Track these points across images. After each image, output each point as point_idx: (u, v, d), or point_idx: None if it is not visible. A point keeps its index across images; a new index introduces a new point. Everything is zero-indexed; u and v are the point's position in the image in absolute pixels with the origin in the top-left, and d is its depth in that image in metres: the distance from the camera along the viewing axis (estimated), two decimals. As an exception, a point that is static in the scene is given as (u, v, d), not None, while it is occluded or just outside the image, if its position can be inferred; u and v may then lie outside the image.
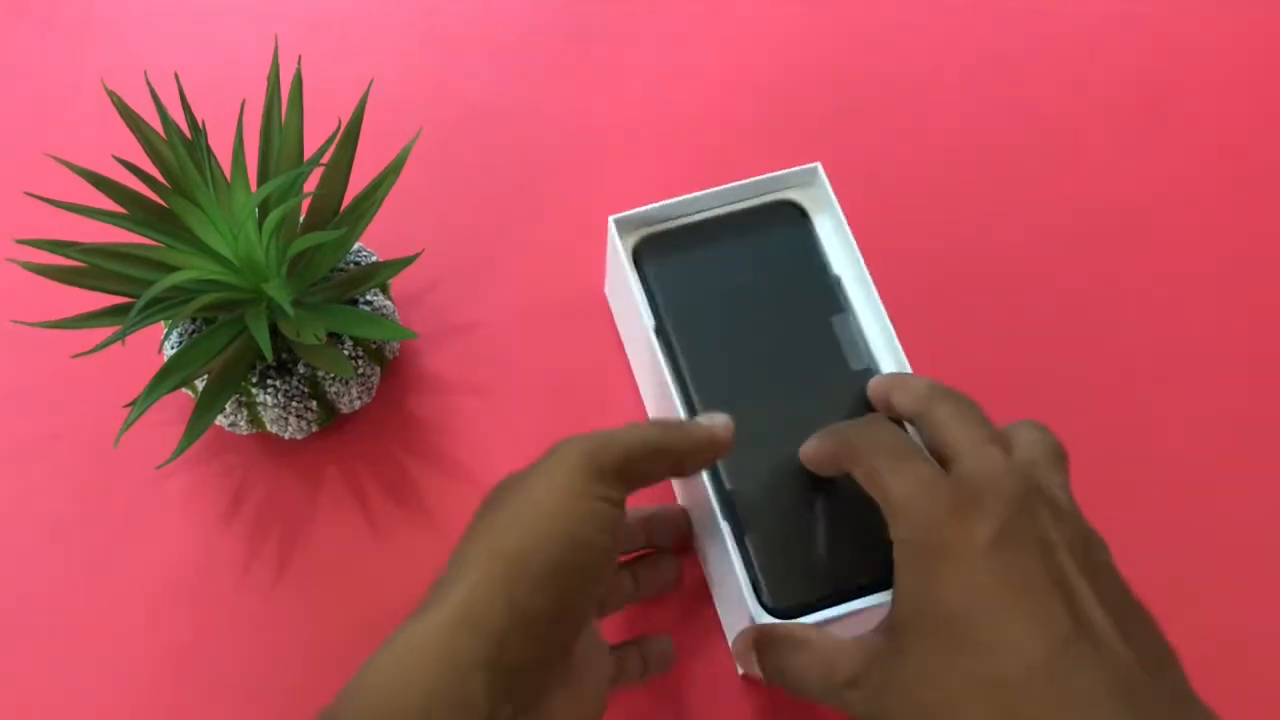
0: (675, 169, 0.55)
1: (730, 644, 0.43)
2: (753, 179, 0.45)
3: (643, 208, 0.45)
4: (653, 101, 0.57)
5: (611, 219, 0.44)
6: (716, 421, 0.37)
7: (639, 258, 0.45)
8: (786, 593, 0.39)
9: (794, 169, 0.46)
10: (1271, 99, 0.57)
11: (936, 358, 0.51)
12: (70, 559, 0.47)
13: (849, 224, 0.53)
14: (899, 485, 0.33)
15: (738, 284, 0.44)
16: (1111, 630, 0.30)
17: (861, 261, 0.44)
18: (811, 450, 0.39)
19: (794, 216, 0.46)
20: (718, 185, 0.52)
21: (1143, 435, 0.50)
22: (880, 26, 0.59)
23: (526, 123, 0.57)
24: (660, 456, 0.35)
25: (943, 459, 0.35)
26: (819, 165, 0.45)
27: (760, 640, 0.37)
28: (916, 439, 0.38)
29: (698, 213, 0.46)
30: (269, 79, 0.43)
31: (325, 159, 0.51)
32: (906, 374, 0.39)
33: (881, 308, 0.43)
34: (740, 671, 0.44)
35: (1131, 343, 0.51)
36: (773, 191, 0.46)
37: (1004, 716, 0.29)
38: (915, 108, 0.57)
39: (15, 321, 0.47)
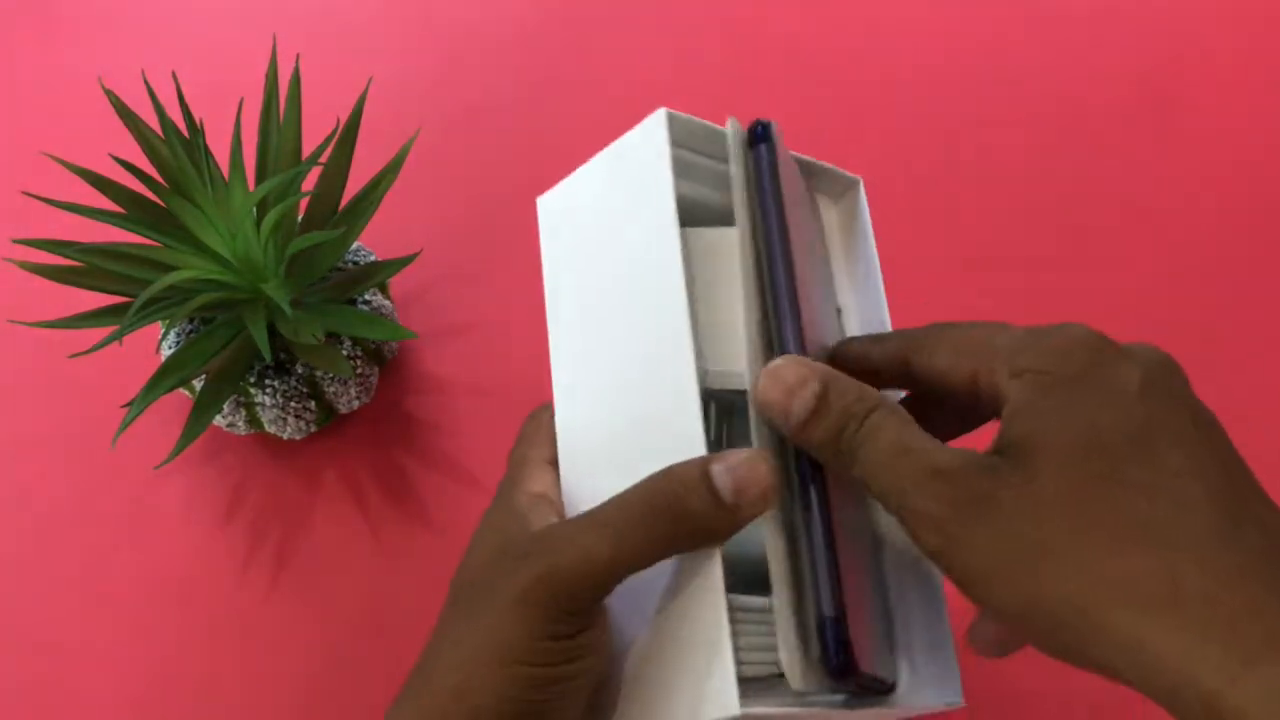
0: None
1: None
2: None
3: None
4: (653, 101, 0.57)
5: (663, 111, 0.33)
6: (741, 469, 0.28)
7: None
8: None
9: (837, 168, 0.36)
10: (1272, 99, 0.57)
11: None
12: (68, 558, 0.47)
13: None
14: (1011, 332, 0.28)
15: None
16: (1275, 531, 0.25)
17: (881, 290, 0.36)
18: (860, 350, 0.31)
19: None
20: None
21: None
22: (887, 21, 0.59)
23: (526, 123, 0.57)
24: (653, 558, 0.28)
25: None
26: (860, 181, 0.37)
27: (837, 392, 0.28)
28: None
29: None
30: (267, 78, 0.43)
31: (323, 158, 0.51)
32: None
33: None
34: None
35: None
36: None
37: (1164, 569, 0.24)
38: (920, 108, 0.57)
39: (13, 321, 0.47)
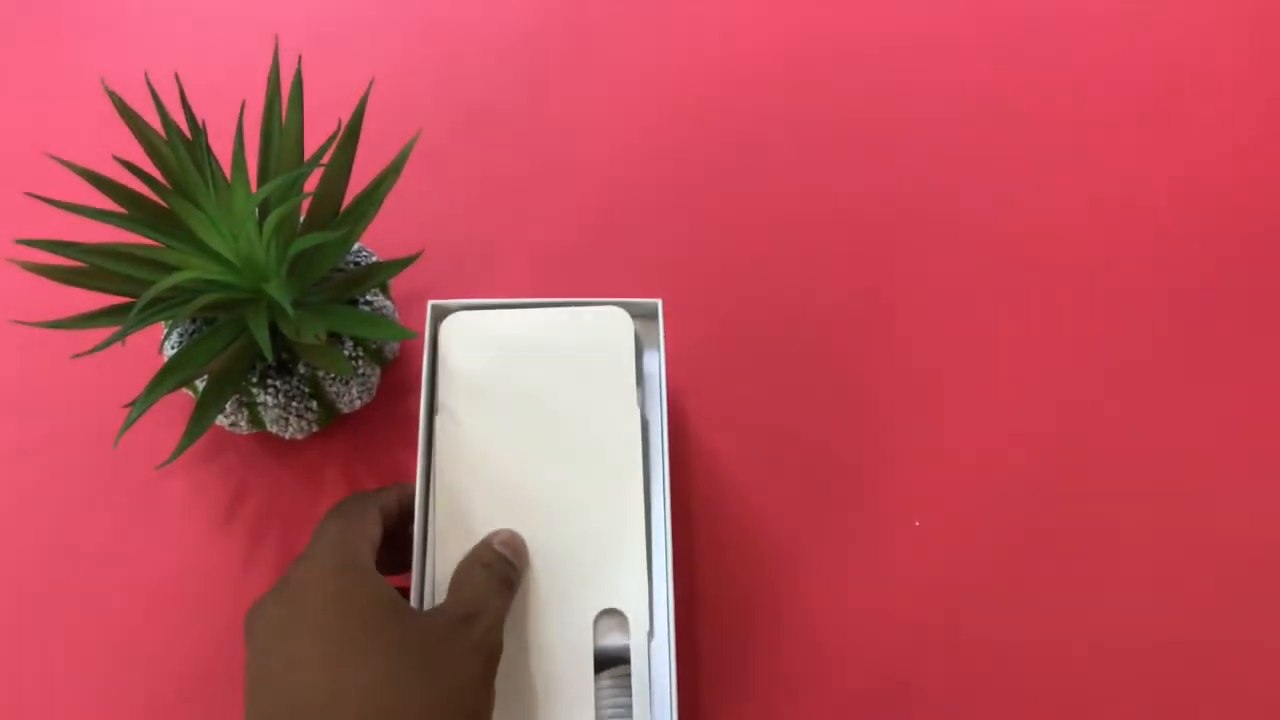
0: (676, 168, 0.55)
1: None
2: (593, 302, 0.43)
3: (465, 300, 0.43)
4: (654, 100, 0.57)
5: (430, 304, 0.43)
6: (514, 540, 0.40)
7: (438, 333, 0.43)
8: None
9: (636, 300, 0.43)
10: (1271, 99, 0.57)
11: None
12: (70, 559, 0.47)
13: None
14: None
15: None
16: None
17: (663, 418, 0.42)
18: None
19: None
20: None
21: (1150, 437, 0.50)
22: (886, 21, 0.59)
23: (526, 123, 0.57)
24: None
25: None
26: (659, 302, 0.43)
27: None
28: None
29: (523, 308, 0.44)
30: (269, 79, 0.43)
31: (325, 159, 0.51)
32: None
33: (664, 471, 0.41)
34: None
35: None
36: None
37: None
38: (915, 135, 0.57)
39: (15, 321, 0.47)
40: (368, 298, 0.47)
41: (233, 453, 0.49)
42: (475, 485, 0.41)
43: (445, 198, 0.55)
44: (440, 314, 0.44)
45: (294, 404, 0.45)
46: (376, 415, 0.49)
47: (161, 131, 0.53)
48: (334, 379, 0.45)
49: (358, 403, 0.47)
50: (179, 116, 0.55)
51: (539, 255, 0.53)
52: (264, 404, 0.45)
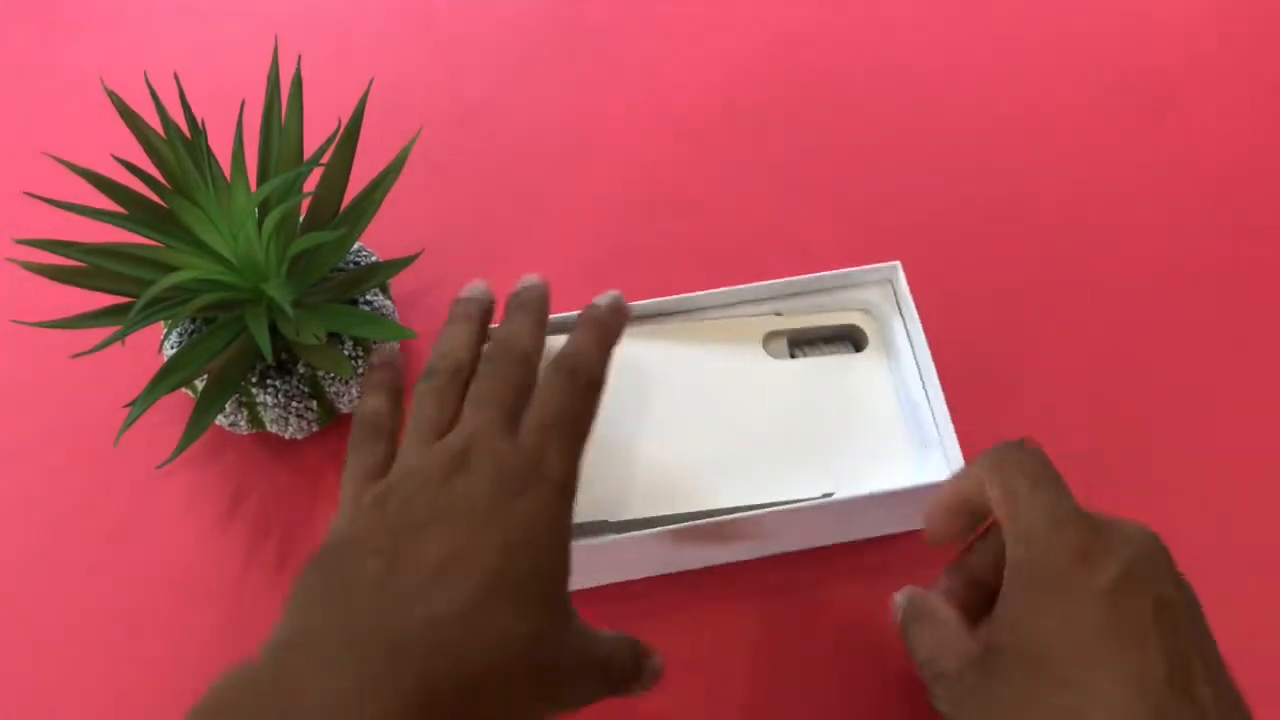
0: (675, 168, 0.55)
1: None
2: (815, 276, 0.44)
3: (653, 301, 0.44)
4: (654, 100, 0.57)
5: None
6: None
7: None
8: None
9: (867, 268, 0.44)
10: (1271, 99, 0.57)
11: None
12: (70, 558, 0.47)
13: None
14: (1033, 509, 0.32)
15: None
16: (1214, 711, 0.29)
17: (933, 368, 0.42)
18: (947, 491, 0.37)
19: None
20: (728, 173, 0.52)
21: (1158, 438, 0.50)
22: (885, 20, 0.59)
23: (526, 123, 0.57)
24: None
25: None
26: (898, 265, 0.44)
27: (910, 604, 0.37)
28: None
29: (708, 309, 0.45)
30: (269, 79, 0.43)
31: (325, 159, 0.52)
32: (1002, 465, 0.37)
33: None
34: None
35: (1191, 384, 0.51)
36: (836, 289, 0.45)
37: None
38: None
39: (15, 321, 0.47)
40: (368, 298, 0.47)
41: (232, 452, 0.49)
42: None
43: (445, 197, 0.55)
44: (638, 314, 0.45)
45: (294, 404, 0.45)
46: (376, 415, 0.49)
47: (161, 131, 0.53)
48: (334, 379, 0.45)
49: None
50: (178, 116, 0.55)
51: (540, 255, 0.53)
52: (264, 404, 0.45)
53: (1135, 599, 0.30)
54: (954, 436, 0.41)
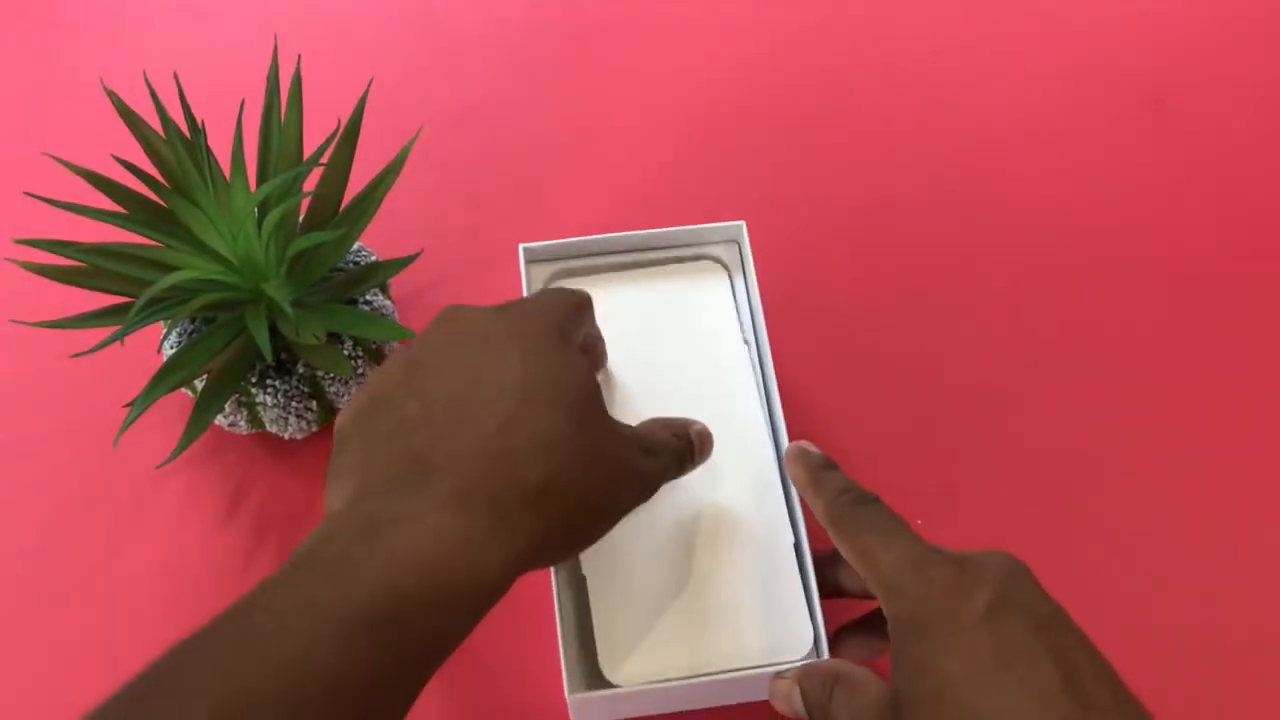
0: (675, 168, 0.55)
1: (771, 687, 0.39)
2: (673, 229, 0.45)
3: (553, 241, 0.44)
4: (654, 100, 0.57)
5: (521, 247, 0.44)
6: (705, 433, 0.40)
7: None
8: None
9: (717, 225, 0.45)
10: (1271, 99, 0.57)
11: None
12: (70, 558, 0.47)
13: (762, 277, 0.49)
14: (891, 561, 0.34)
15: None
16: (1114, 708, 0.30)
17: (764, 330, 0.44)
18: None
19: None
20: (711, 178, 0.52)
21: (1140, 444, 0.50)
22: (884, 20, 0.59)
23: (526, 123, 0.57)
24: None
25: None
26: (743, 225, 0.45)
27: (810, 672, 0.37)
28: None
29: (614, 253, 0.46)
30: (268, 78, 0.43)
31: (325, 158, 0.51)
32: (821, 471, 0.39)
33: (773, 384, 0.43)
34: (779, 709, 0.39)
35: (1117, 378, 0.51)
36: (694, 245, 0.46)
37: None
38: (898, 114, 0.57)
39: (15, 321, 0.47)
40: (367, 298, 0.47)
41: (232, 452, 0.49)
42: None
43: (445, 197, 0.55)
44: (533, 258, 0.45)
45: (293, 404, 0.45)
46: (376, 415, 0.49)
47: (161, 131, 0.53)
48: (333, 379, 0.45)
49: (357, 402, 0.47)
50: (178, 116, 0.55)
51: (539, 255, 0.53)
52: (263, 404, 0.45)
53: (1012, 620, 0.31)
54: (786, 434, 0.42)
